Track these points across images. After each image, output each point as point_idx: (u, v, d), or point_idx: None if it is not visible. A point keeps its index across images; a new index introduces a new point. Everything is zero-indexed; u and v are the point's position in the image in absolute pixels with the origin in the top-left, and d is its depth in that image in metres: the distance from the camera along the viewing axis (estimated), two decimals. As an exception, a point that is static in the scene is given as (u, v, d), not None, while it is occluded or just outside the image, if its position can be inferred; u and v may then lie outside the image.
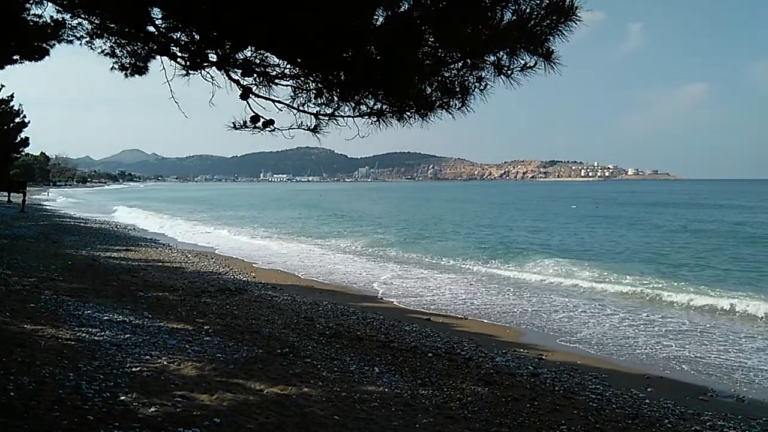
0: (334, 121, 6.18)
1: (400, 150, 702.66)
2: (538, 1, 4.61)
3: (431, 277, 19.79)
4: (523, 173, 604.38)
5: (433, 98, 5.54)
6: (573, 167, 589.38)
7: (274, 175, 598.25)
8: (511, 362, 9.78)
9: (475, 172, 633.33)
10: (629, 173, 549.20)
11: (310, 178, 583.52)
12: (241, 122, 6.17)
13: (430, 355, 9.59)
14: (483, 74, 5.22)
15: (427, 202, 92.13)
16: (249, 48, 5.71)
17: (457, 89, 5.37)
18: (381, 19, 4.91)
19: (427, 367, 8.75)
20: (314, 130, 6.27)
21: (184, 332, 8.53)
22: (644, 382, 9.28)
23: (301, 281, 18.08)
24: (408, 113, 5.75)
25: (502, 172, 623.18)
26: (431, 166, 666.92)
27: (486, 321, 13.45)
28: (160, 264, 18.61)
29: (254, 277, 17.65)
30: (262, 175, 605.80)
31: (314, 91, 5.90)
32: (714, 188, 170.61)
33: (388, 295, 16.23)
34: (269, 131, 6.20)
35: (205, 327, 9.16)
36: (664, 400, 8.26)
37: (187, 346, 7.67)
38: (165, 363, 6.61)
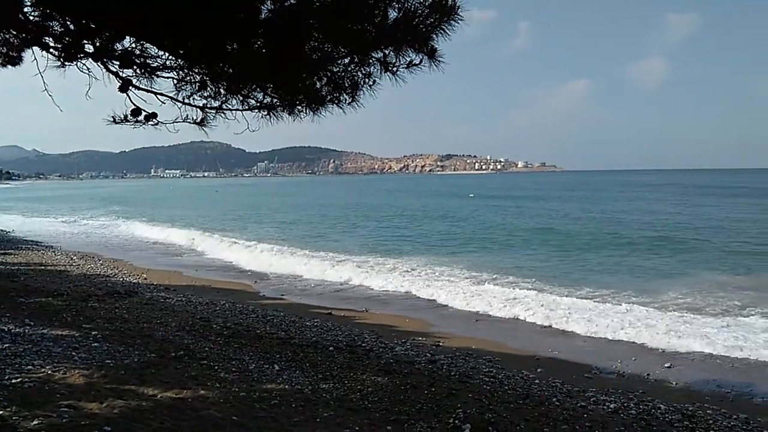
0: (222, 114, 6.04)
1: (300, 144, 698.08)
2: (422, 0, 4.74)
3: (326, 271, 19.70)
4: (422, 167, 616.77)
5: (324, 93, 5.55)
6: (468, 161, 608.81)
7: (166, 171, 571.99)
8: (410, 351, 10.01)
9: (376, 166, 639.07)
10: (519, 166, 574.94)
11: (206, 174, 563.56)
12: (122, 116, 5.87)
13: (331, 348, 9.62)
14: (371, 70, 5.30)
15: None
16: (128, 38, 5.44)
17: (347, 84, 5.42)
18: (266, 12, 4.85)
19: (328, 361, 8.77)
20: (201, 123, 6.08)
21: (70, 339, 8.03)
22: (534, 363, 9.81)
23: (197, 281, 17.49)
24: (299, 107, 5.72)
25: (402, 165, 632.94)
26: (332, 161, 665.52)
27: (386, 312, 13.68)
28: (43, 267, 17.40)
29: (145, 279, 16.91)
30: (153, 171, 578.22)
31: (198, 84, 5.73)
32: (587, 179, 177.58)
33: (288, 292, 16.11)
34: (152, 125, 5.95)
35: (93, 332, 8.67)
36: (552, 379, 8.75)
37: (73, 353, 7.23)
38: (49, 372, 6.21)
